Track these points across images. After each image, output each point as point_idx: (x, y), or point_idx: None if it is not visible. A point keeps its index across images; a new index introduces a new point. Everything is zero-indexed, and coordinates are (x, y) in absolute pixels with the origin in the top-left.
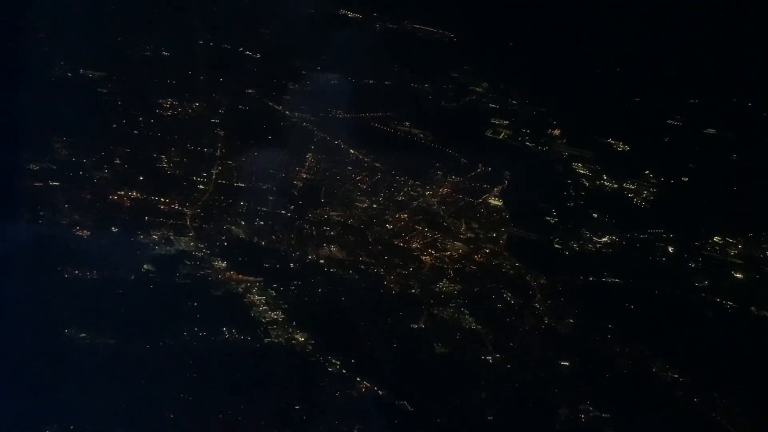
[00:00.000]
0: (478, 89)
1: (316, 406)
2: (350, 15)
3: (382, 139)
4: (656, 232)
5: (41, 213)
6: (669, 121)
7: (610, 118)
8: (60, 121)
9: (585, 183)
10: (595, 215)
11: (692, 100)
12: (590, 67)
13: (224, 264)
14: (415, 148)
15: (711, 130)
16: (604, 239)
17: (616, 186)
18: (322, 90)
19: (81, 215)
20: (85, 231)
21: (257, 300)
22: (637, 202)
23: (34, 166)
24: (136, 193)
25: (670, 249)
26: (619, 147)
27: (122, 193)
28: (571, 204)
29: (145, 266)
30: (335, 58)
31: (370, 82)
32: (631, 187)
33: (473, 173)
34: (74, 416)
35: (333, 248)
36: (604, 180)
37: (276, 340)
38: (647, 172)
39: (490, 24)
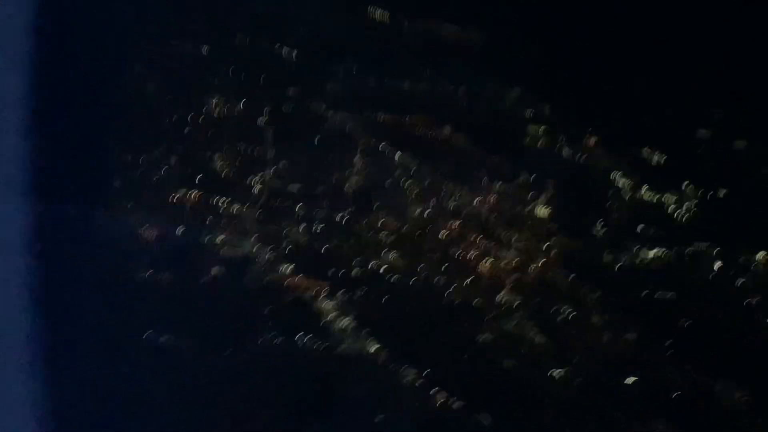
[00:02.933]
0: (511, 94)
1: (395, 416)
2: (378, 15)
3: (424, 143)
4: (701, 245)
5: (108, 213)
6: (700, 131)
7: (643, 128)
8: (110, 119)
9: (626, 194)
10: (639, 228)
11: (720, 111)
12: (620, 74)
13: (289, 269)
14: (457, 153)
15: (742, 143)
16: (651, 253)
17: (657, 198)
18: (360, 91)
19: (145, 215)
20: (151, 232)
21: (326, 307)
22: (679, 215)
23: (92, 166)
24: (196, 194)
25: (717, 264)
26: (655, 158)
27: (182, 193)
28: (615, 215)
29: (214, 269)
30: (368, 58)
31: (406, 84)
32: (671, 199)
33: (517, 181)
34: (164, 419)
35: (392, 256)
36: (644, 191)
37: (350, 349)
38: (685, 183)
39: (520, 27)
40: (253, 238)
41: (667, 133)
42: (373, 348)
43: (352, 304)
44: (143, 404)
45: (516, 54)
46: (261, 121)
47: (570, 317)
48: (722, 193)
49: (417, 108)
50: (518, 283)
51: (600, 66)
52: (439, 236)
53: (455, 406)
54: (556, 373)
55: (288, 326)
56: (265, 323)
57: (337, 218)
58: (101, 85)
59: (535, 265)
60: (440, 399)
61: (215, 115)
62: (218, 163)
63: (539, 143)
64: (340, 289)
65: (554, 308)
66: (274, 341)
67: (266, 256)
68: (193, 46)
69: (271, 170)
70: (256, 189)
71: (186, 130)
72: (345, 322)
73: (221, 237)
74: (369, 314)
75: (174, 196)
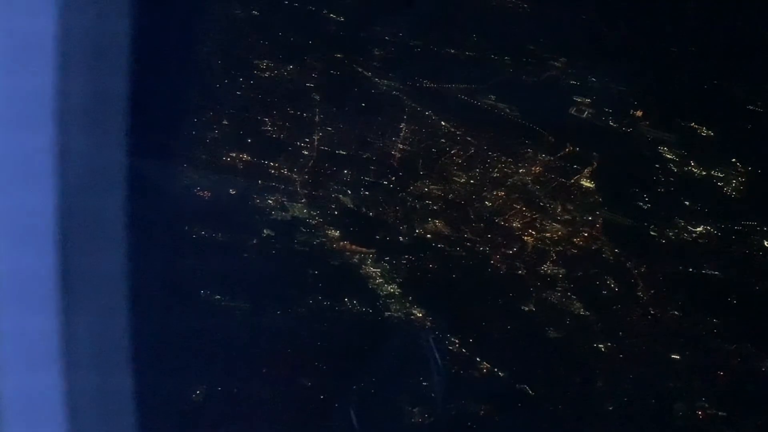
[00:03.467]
0: (556, 64)
1: (441, 384)
2: None
3: (470, 112)
4: (750, 224)
5: (162, 171)
6: (750, 107)
7: (692, 101)
8: (163, 80)
9: (673, 168)
10: (686, 203)
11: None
12: (668, 45)
13: (337, 233)
14: (502, 123)
15: None
16: (699, 229)
17: (704, 173)
18: (407, 57)
19: (199, 176)
20: (205, 192)
21: (373, 272)
22: (727, 191)
23: (148, 121)
24: (247, 156)
25: (766, 243)
26: (703, 132)
27: (234, 155)
28: (662, 190)
29: (265, 231)
30: (413, 24)
31: (452, 51)
32: (719, 175)
33: (562, 153)
34: (222, 378)
35: (438, 223)
36: (692, 166)
37: (396, 314)
38: (734, 159)
39: None
40: (301, 202)
41: (715, 107)
42: (418, 314)
43: (398, 270)
44: (193, 362)
45: (564, 23)
46: (309, 85)
47: (615, 291)
48: None
49: (462, 76)
50: (562, 254)
51: (649, 36)
52: (485, 205)
53: (500, 374)
54: (602, 346)
55: (335, 290)
56: (314, 286)
57: (384, 184)
58: (153, 49)
59: (579, 238)
60: (484, 368)
61: (265, 77)
62: (268, 127)
63: (585, 115)
64: (386, 255)
65: (598, 281)
66: (323, 303)
67: (314, 221)
68: (242, 11)
69: (320, 134)
70: (305, 153)
71: (237, 93)
72: (391, 287)
73: (270, 200)
74: (414, 281)
75: (226, 158)
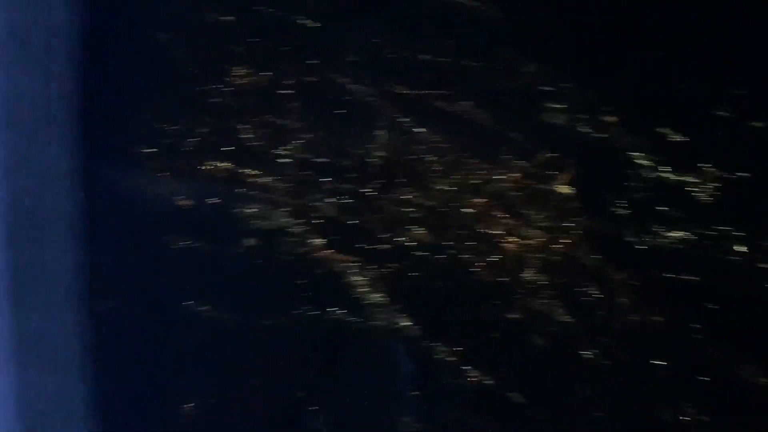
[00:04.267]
0: (529, 70)
1: (428, 393)
2: None
3: (444, 118)
4: (724, 229)
5: (141, 180)
6: (718, 113)
7: (661, 107)
8: (138, 85)
9: (646, 174)
10: (661, 208)
11: (738, 91)
12: (636, 49)
13: (320, 242)
14: (477, 129)
15: (758, 123)
16: (674, 234)
17: (677, 179)
18: (380, 63)
19: (178, 184)
20: (185, 201)
21: (358, 281)
22: (699, 196)
23: (127, 132)
24: (227, 164)
25: (741, 248)
26: (674, 137)
27: (213, 163)
28: (637, 196)
29: (247, 240)
30: (385, 31)
31: (426, 57)
32: (692, 180)
33: (538, 159)
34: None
35: (419, 231)
36: (664, 172)
37: (382, 324)
38: (705, 165)
39: (536, 1)
40: (282, 211)
41: (685, 112)
42: (404, 323)
43: (382, 279)
44: (180, 373)
45: (534, 29)
46: (285, 92)
47: (596, 298)
48: (740, 177)
49: (435, 81)
50: (543, 261)
51: (618, 42)
52: (464, 212)
53: (487, 383)
54: (586, 354)
55: (321, 299)
56: (299, 295)
57: (363, 192)
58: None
59: (559, 244)
60: (472, 376)
61: (240, 84)
62: (246, 135)
63: (559, 121)
64: (370, 264)
65: (580, 288)
66: (309, 313)
67: (297, 229)
68: (214, 16)
69: (298, 142)
70: (284, 161)
71: (213, 100)
72: (376, 296)
73: (252, 209)
74: (399, 289)
75: (205, 166)
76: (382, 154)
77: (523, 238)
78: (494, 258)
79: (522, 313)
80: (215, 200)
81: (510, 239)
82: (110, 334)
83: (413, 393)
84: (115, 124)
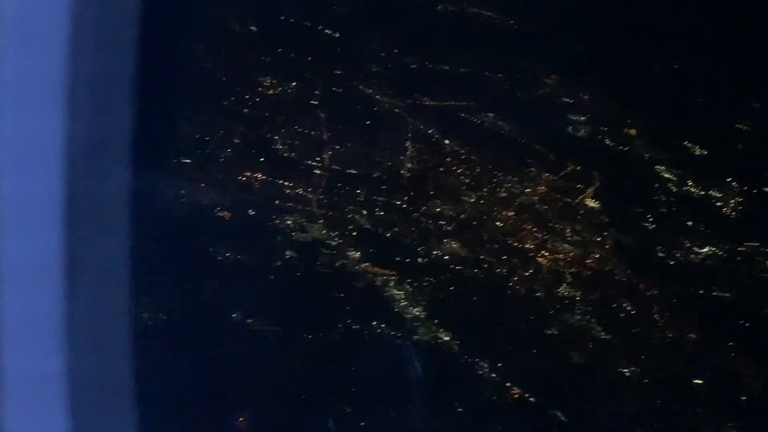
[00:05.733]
0: (548, 81)
1: (471, 409)
2: None
3: (470, 130)
4: (752, 245)
5: (181, 192)
6: (737, 126)
7: (681, 120)
8: (171, 95)
9: (672, 188)
10: (689, 223)
11: (757, 104)
12: (655, 62)
13: (358, 254)
14: (502, 141)
15: None
16: (704, 250)
17: (702, 193)
18: (403, 74)
19: (217, 196)
20: (225, 212)
21: (396, 295)
22: (726, 211)
23: (162, 142)
24: (261, 175)
25: None
26: (696, 151)
27: (249, 174)
28: (664, 210)
29: (288, 252)
30: (406, 40)
31: (446, 68)
32: (717, 195)
33: (564, 172)
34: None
35: (454, 244)
36: (689, 186)
37: (423, 338)
38: (729, 179)
39: (553, 12)
40: (319, 223)
41: (704, 126)
42: (445, 338)
43: (421, 292)
44: (229, 388)
45: (552, 39)
46: (313, 102)
47: (631, 313)
48: (765, 191)
49: (456, 92)
50: (577, 276)
51: (636, 53)
52: (497, 226)
53: (531, 400)
54: (627, 371)
55: (363, 313)
56: (342, 309)
57: (396, 204)
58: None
59: (591, 259)
60: (515, 393)
61: (270, 95)
62: (279, 145)
63: (581, 133)
64: (408, 278)
65: (615, 303)
66: (352, 327)
67: (334, 242)
68: (240, 26)
69: (329, 153)
70: (317, 172)
71: (245, 111)
72: (416, 310)
73: (289, 221)
74: (438, 304)
75: (241, 177)
76: (412, 165)
77: (555, 253)
78: (528, 272)
79: (561, 329)
80: (249, 210)
81: (543, 253)
82: (151, 339)
83: (454, 405)
84: (173, 142)
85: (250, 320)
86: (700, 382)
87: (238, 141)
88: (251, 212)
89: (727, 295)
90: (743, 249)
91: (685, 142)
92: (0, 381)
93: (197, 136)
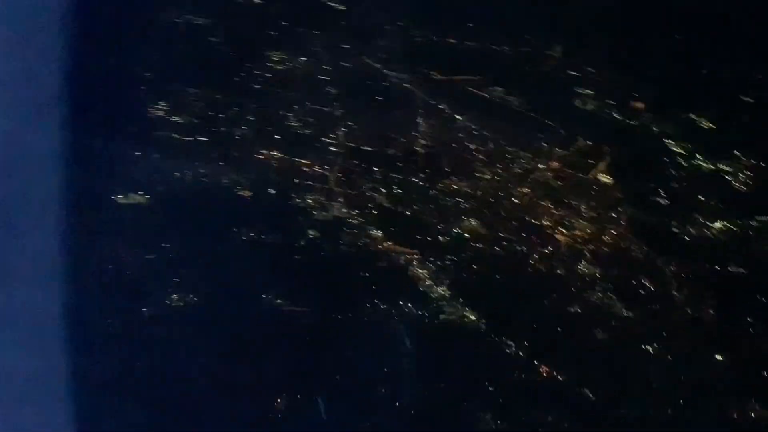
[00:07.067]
0: (554, 54)
1: (503, 389)
2: None
3: (480, 104)
4: (765, 219)
5: (201, 171)
6: (743, 98)
7: (687, 92)
8: (181, 71)
9: (682, 162)
10: (701, 197)
11: (760, 76)
12: (661, 34)
13: (380, 233)
14: (513, 115)
15: None
16: (717, 225)
17: (712, 167)
18: (411, 47)
19: (237, 174)
20: (246, 191)
21: (421, 274)
22: (736, 185)
23: (177, 119)
24: (279, 153)
25: None
26: (704, 124)
27: (266, 152)
28: (676, 185)
29: (311, 232)
30: (411, 13)
31: (452, 41)
32: (726, 169)
33: (575, 146)
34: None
35: (473, 222)
36: (699, 160)
37: (450, 318)
38: (737, 152)
39: None
40: (339, 201)
41: (710, 98)
42: (472, 317)
43: (444, 271)
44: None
45: (557, 12)
46: (323, 78)
47: (651, 290)
48: None
49: (466, 67)
50: (595, 253)
51: (641, 24)
52: (513, 202)
53: (560, 379)
54: (650, 348)
55: (390, 293)
56: (368, 289)
57: (414, 181)
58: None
59: (608, 236)
60: (543, 371)
61: (279, 70)
62: (293, 122)
63: (589, 107)
64: (431, 256)
65: (634, 280)
66: (380, 307)
67: (355, 221)
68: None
69: (343, 129)
70: (333, 149)
71: (256, 86)
72: (441, 289)
73: (310, 199)
74: (461, 282)
75: (258, 155)
76: (426, 142)
77: (572, 230)
78: (548, 250)
79: (583, 306)
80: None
81: (560, 230)
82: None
83: (495, 388)
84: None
85: (279, 301)
86: (720, 358)
87: (251, 118)
88: (271, 191)
89: (741, 270)
90: (755, 224)
91: (691, 115)
92: None
93: (210, 113)
